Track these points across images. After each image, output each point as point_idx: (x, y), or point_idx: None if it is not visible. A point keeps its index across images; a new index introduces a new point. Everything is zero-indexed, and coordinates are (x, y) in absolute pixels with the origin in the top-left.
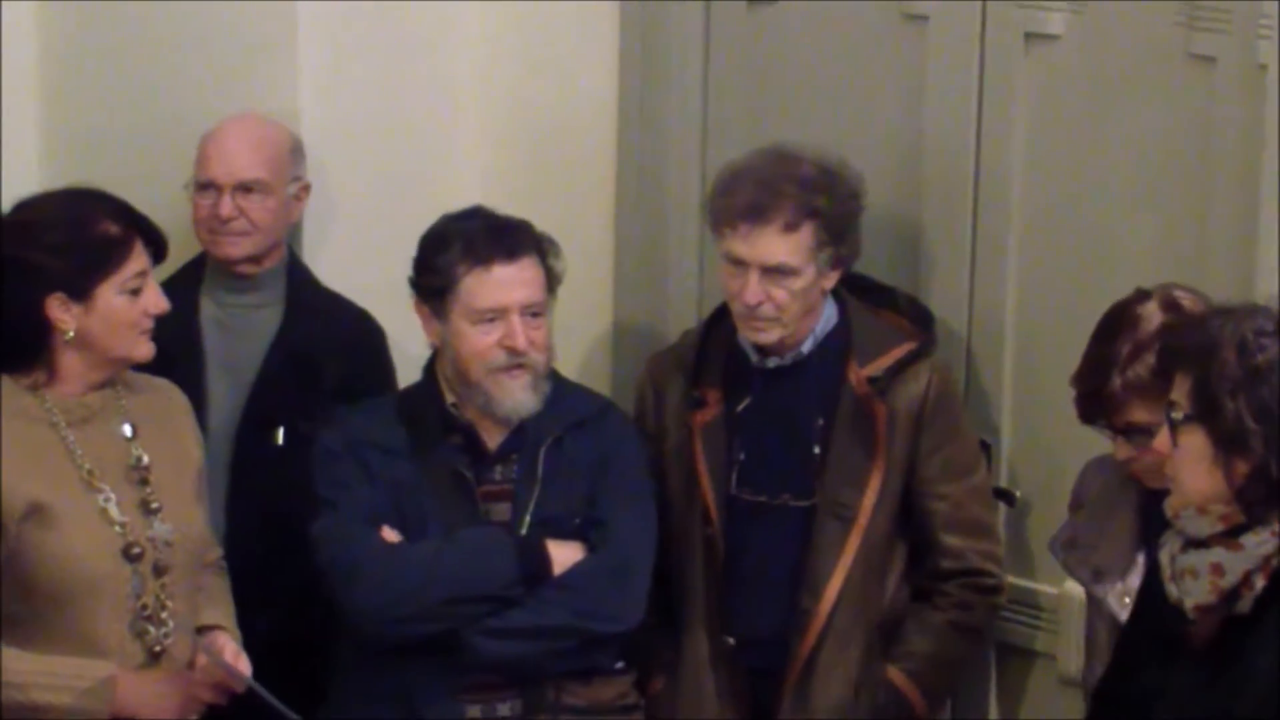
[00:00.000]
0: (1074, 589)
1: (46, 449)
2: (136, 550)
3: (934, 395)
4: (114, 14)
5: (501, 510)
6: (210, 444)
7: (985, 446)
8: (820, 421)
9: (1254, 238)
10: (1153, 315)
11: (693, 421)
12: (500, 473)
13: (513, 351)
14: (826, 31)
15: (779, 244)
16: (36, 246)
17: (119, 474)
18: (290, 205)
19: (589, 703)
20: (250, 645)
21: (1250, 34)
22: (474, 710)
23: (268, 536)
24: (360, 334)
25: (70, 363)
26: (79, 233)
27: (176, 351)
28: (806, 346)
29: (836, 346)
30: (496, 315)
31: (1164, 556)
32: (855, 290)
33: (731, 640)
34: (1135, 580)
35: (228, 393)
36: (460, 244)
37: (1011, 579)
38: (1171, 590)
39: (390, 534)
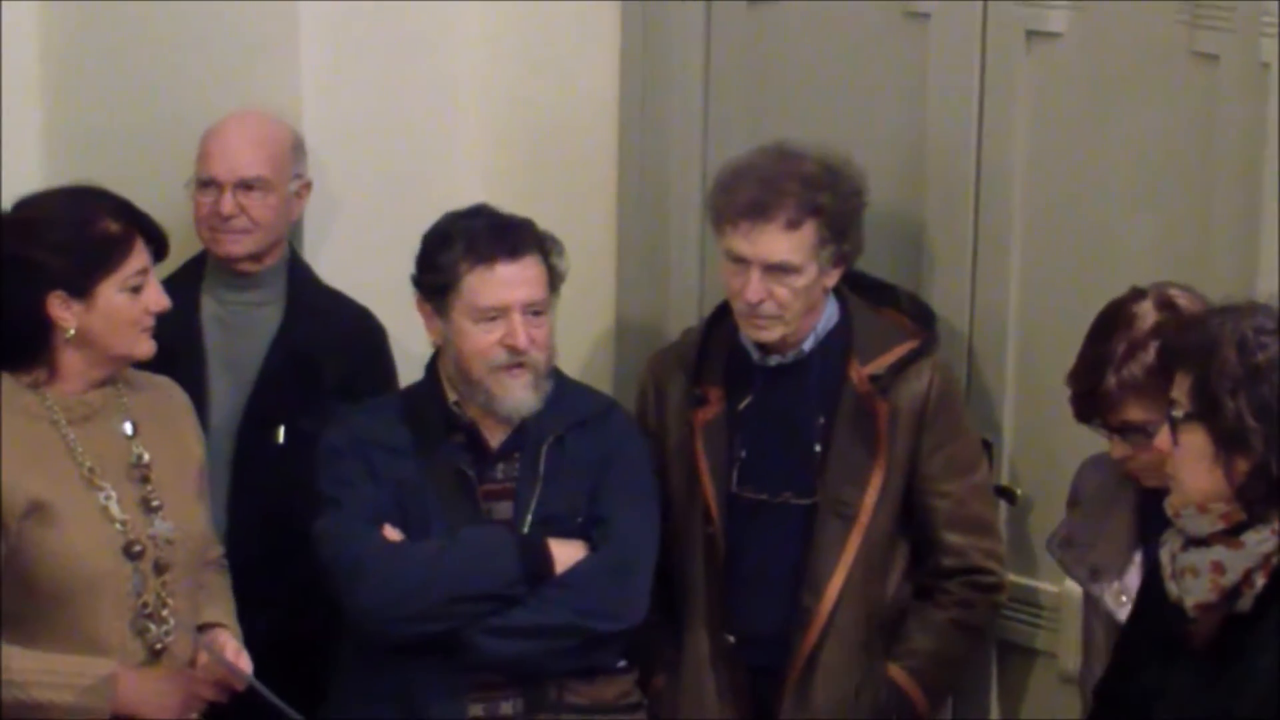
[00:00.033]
0: (1074, 587)
1: (47, 447)
2: (137, 548)
3: (936, 394)
4: (114, 13)
5: (503, 509)
6: (211, 442)
7: (986, 445)
8: (821, 420)
9: (1256, 236)
10: (1147, 314)
11: (694, 419)
12: (502, 471)
13: (514, 350)
14: (827, 30)
15: (781, 242)
16: (37, 244)
17: (120, 472)
18: (291, 203)
19: (591, 701)
20: (251, 643)
21: (1253, 32)
22: (476, 709)
23: (269, 535)
24: (361, 332)
25: (71, 361)
26: (80, 231)
27: (177, 349)
28: (808, 345)
29: (838, 345)
30: (498, 314)
31: (1164, 555)
32: (857, 288)
33: (733, 638)
34: (1132, 579)
35: (229, 390)
36: (463, 242)
37: (1013, 577)
38: (1172, 589)
39: (392, 533)
